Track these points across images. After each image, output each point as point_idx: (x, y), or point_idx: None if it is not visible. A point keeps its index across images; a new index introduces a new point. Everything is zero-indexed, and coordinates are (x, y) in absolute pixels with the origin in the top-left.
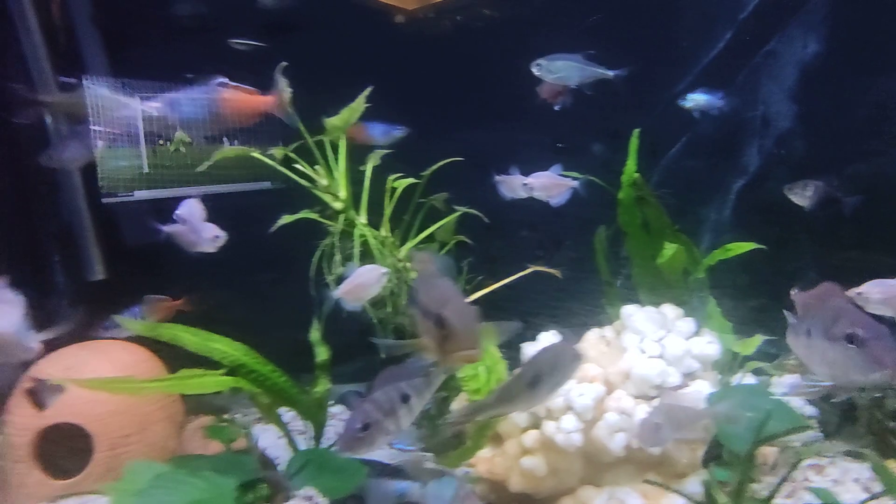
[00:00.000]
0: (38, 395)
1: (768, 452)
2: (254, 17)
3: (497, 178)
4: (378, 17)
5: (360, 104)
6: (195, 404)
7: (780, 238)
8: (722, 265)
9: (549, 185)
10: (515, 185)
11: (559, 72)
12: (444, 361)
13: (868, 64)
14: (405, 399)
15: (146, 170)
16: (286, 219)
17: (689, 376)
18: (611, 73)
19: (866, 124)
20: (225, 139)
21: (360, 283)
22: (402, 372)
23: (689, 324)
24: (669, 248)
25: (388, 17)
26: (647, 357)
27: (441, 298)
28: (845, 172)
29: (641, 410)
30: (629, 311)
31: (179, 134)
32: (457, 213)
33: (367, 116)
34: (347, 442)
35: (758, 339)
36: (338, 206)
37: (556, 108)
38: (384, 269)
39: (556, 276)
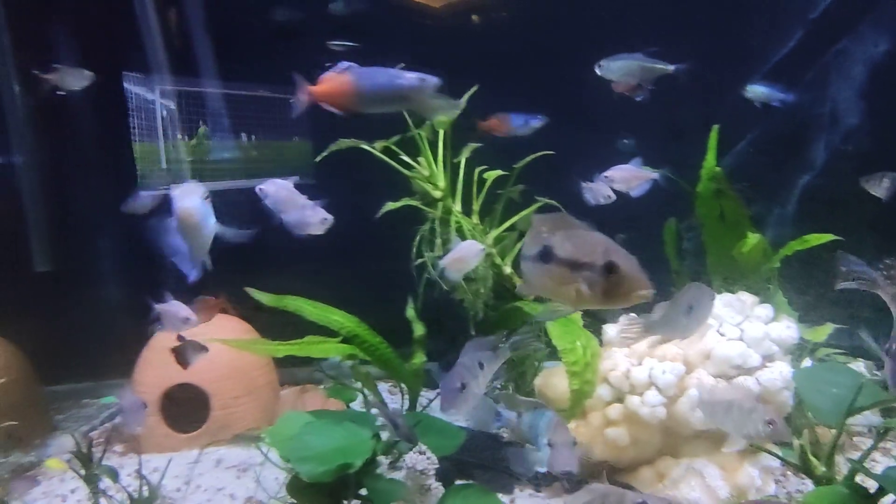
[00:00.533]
0: (184, 355)
1: (824, 432)
2: (327, 21)
3: (583, 184)
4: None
5: (464, 101)
6: (286, 376)
7: (843, 232)
8: (789, 258)
9: (630, 177)
10: (600, 191)
11: (620, 71)
12: (616, 304)
13: None
14: (482, 366)
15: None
16: (391, 205)
17: (768, 358)
18: (671, 68)
19: None
20: (243, 134)
21: (462, 256)
22: (480, 344)
23: (766, 309)
24: (752, 239)
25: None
26: (735, 341)
27: (597, 246)
28: None
29: (721, 389)
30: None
31: (202, 129)
32: (537, 205)
33: (506, 108)
34: (450, 399)
35: (829, 328)
36: (437, 194)
37: (639, 98)
38: (482, 246)
39: None
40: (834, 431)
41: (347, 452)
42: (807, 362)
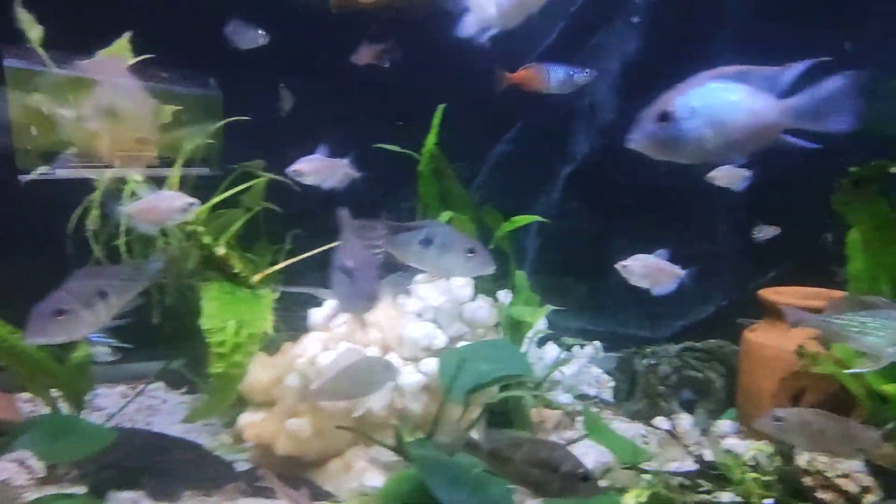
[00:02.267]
0: None
1: (550, 415)
2: None
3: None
4: None
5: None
6: None
7: (604, 221)
8: (550, 245)
9: (322, 168)
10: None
11: None
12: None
13: (681, 58)
14: (103, 295)
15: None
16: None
17: (458, 339)
18: None
19: None
20: None
21: (158, 207)
22: (99, 272)
23: (467, 290)
24: (446, 216)
25: None
26: (422, 322)
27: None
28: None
29: (409, 372)
30: (418, 278)
31: None
32: (263, 179)
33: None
34: (37, 326)
35: (544, 310)
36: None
37: (387, 65)
38: (192, 200)
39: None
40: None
41: None
42: (550, 346)
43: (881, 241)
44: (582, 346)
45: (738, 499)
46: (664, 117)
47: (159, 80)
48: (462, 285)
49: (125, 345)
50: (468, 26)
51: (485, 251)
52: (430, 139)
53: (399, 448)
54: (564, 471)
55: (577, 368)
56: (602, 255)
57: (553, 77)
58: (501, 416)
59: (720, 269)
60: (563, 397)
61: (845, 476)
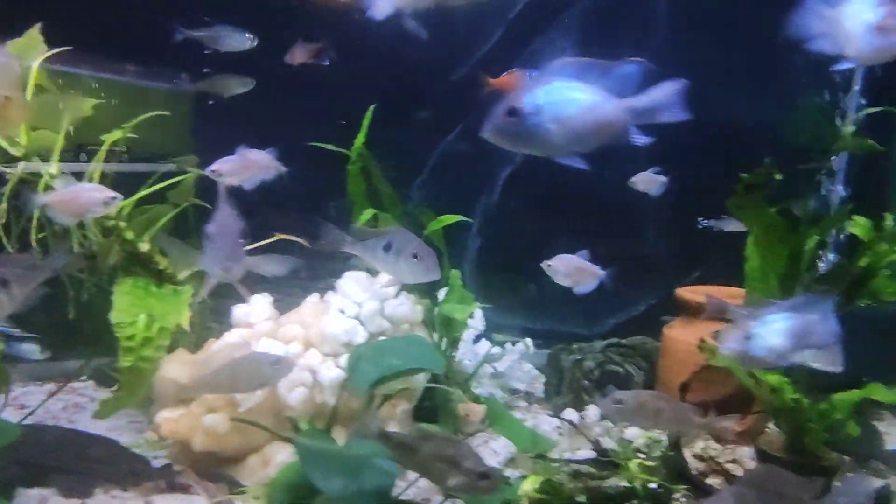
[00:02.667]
0: None
1: (476, 409)
2: None
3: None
4: None
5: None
6: None
7: (542, 222)
8: (491, 244)
9: (240, 167)
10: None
11: None
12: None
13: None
14: (4, 283)
15: None
16: None
17: (380, 335)
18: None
19: None
20: None
21: (79, 199)
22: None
23: (390, 288)
24: (367, 213)
25: None
26: (343, 317)
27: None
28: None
29: (327, 367)
30: (346, 275)
31: None
32: (192, 175)
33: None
34: None
35: (473, 307)
36: (17, 152)
37: (326, 62)
38: (114, 194)
39: (305, 244)
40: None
41: None
42: (483, 343)
43: (769, 242)
44: (514, 342)
45: (625, 483)
46: (512, 113)
47: (126, 73)
48: (386, 283)
49: (30, 334)
50: (380, 8)
51: (431, 258)
52: (359, 139)
53: (291, 439)
54: (466, 467)
55: (509, 364)
56: (540, 255)
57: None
58: (428, 410)
59: (652, 269)
60: (493, 393)
61: (734, 461)
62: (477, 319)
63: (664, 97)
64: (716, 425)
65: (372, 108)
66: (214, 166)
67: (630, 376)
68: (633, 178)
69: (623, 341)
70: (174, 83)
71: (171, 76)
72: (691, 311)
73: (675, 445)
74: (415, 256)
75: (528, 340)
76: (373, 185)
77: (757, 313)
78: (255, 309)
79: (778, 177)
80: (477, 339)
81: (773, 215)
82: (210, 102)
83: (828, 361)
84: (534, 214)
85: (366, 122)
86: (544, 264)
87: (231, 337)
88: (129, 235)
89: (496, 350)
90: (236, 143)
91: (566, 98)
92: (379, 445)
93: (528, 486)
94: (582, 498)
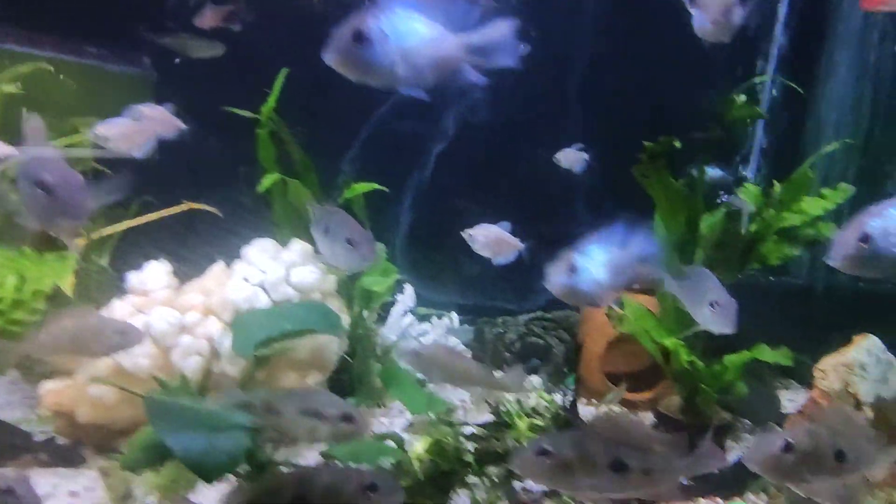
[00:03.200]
0: None
1: None
2: None
3: None
4: None
5: None
6: None
7: (474, 198)
8: (422, 220)
9: (127, 132)
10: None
11: None
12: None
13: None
14: None
15: None
16: None
17: (287, 303)
18: None
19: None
20: None
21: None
22: None
23: (297, 255)
24: (271, 179)
25: None
26: (245, 284)
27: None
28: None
29: (227, 336)
30: (253, 243)
31: None
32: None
33: None
34: None
35: (393, 279)
36: None
37: (237, 27)
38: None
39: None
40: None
41: None
42: (408, 317)
43: (671, 211)
44: (439, 317)
45: (514, 442)
46: (358, 37)
47: (86, 55)
48: (293, 250)
49: None
50: None
51: (366, 244)
52: (269, 102)
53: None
54: (327, 415)
55: (434, 339)
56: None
57: None
58: (345, 383)
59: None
60: None
61: None
62: (407, 295)
63: (497, 37)
64: (503, 382)
65: (284, 71)
66: (98, 129)
67: (550, 348)
68: (557, 155)
69: (546, 315)
70: (136, 66)
71: (133, 59)
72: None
73: (571, 406)
74: (349, 241)
75: (454, 315)
76: (284, 150)
77: (580, 247)
78: (151, 276)
79: (678, 145)
80: (407, 314)
81: (675, 184)
82: (176, 61)
83: (720, 324)
84: (466, 191)
85: (277, 86)
86: (464, 233)
87: (120, 305)
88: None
89: (426, 326)
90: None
91: (410, 28)
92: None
93: (421, 447)
94: (469, 457)
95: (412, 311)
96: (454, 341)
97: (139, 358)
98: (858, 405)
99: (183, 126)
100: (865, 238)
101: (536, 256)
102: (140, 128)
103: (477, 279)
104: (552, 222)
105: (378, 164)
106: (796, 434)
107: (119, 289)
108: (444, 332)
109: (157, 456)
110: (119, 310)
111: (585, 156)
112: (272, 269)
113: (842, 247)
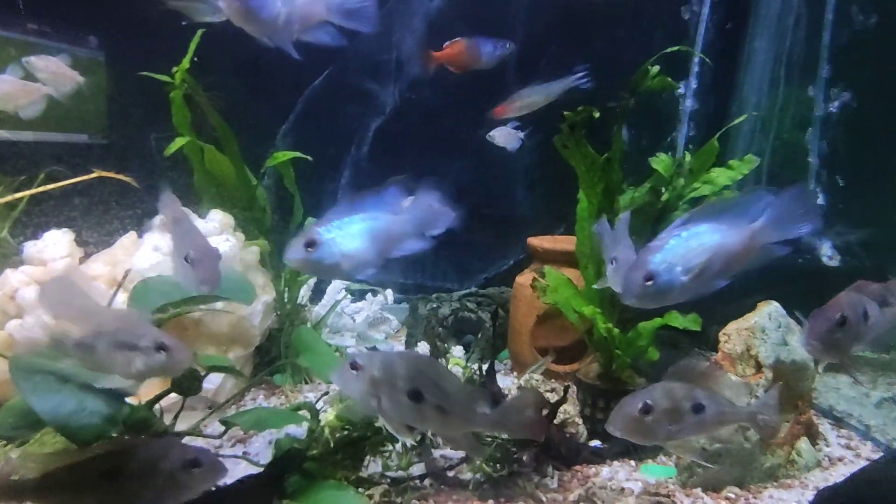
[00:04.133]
0: None
1: None
2: None
3: None
4: None
5: None
6: None
7: (413, 178)
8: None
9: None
10: None
11: None
12: None
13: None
14: None
15: None
16: None
17: None
18: None
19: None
20: None
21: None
22: None
23: (215, 224)
24: (178, 142)
25: None
26: (153, 253)
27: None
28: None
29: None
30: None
31: None
32: None
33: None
34: None
35: None
36: None
37: None
38: None
39: (132, 183)
40: None
41: None
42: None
43: (591, 180)
44: (374, 293)
45: None
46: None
47: (27, 32)
48: (211, 219)
49: None
50: None
51: (206, 266)
52: (184, 63)
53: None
54: (141, 346)
55: (366, 315)
56: None
57: (484, 52)
58: (273, 357)
59: (520, 225)
60: (348, 341)
61: (552, 391)
62: None
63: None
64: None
65: (200, 32)
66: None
67: (483, 322)
68: (492, 133)
69: (481, 291)
70: (81, 45)
71: (77, 37)
72: (539, 258)
73: (489, 372)
74: (186, 259)
75: (389, 292)
76: (200, 115)
77: (327, 219)
78: (50, 245)
79: (597, 115)
80: (342, 291)
81: (593, 153)
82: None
83: (614, 282)
84: (405, 169)
85: (192, 47)
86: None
87: (13, 275)
88: None
89: (362, 304)
90: None
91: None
92: None
93: (331, 414)
94: (380, 422)
95: (347, 289)
96: (389, 318)
97: (34, 329)
98: (759, 367)
99: (80, 79)
100: (650, 277)
101: (474, 235)
102: (27, 87)
103: (417, 259)
104: (492, 203)
105: (312, 138)
106: (653, 394)
107: (19, 260)
108: (378, 308)
109: (32, 421)
110: (11, 280)
111: (521, 134)
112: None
113: (631, 287)
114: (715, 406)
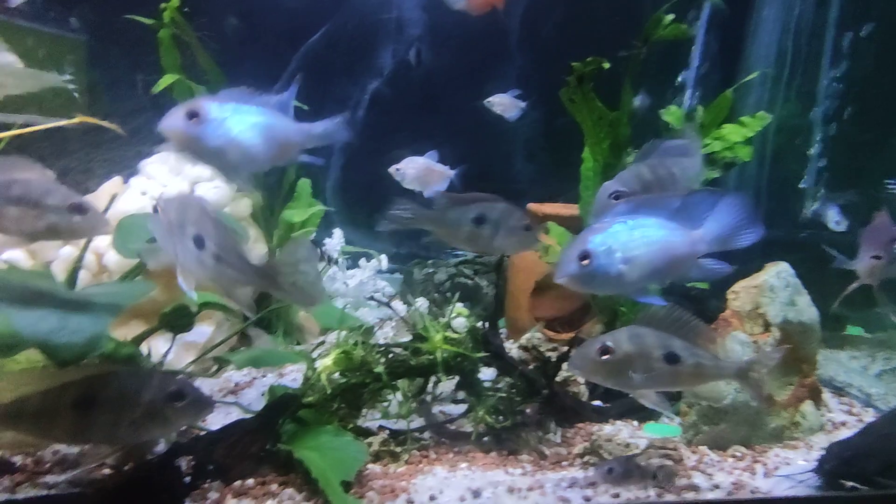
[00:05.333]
0: None
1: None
2: None
3: None
4: None
5: None
6: None
7: (411, 144)
8: (353, 163)
9: None
10: None
11: None
12: None
13: None
14: None
15: None
16: None
17: None
18: None
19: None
20: None
21: None
22: None
23: (204, 171)
24: (167, 79)
25: None
26: (138, 197)
27: None
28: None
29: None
30: (153, 157)
31: None
32: None
33: None
34: None
35: (316, 210)
36: None
37: None
38: None
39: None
40: None
41: None
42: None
43: (597, 135)
44: (368, 259)
45: (429, 356)
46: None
47: (8, 12)
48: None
49: None
50: None
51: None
52: (173, 2)
53: None
54: (52, 203)
55: (359, 281)
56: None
57: None
58: (266, 321)
59: (520, 193)
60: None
61: (554, 350)
62: (336, 239)
63: None
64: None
65: None
66: None
67: (479, 288)
68: (490, 99)
69: (478, 258)
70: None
71: (58, 19)
72: (538, 223)
73: (492, 325)
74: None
75: (383, 257)
76: (190, 57)
77: None
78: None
79: (607, 66)
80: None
81: (601, 107)
82: None
83: None
84: (403, 135)
85: None
86: (392, 169)
87: None
88: None
89: (356, 270)
90: None
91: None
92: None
93: (328, 359)
94: (380, 368)
95: (341, 250)
96: (381, 284)
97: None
98: (767, 326)
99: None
100: (586, 256)
101: None
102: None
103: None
104: (492, 170)
105: (307, 97)
106: (616, 336)
107: None
108: (373, 273)
109: (11, 344)
110: None
111: (522, 103)
112: (174, 184)
113: (566, 264)
114: (693, 358)
